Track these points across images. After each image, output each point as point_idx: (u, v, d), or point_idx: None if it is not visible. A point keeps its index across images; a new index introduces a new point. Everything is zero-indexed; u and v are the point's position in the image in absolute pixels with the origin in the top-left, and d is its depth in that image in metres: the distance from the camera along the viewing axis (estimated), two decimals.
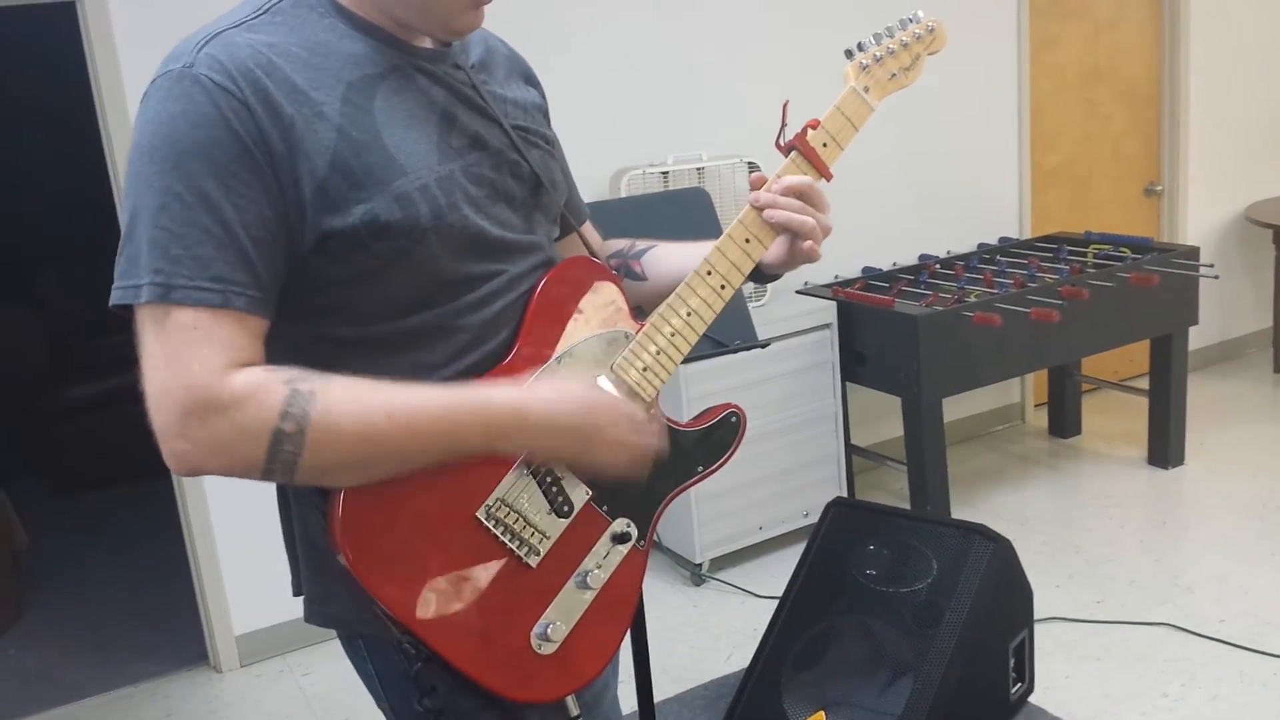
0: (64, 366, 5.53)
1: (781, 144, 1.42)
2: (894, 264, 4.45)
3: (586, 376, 1.29)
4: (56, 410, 5.30)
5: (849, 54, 1.45)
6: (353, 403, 1.12)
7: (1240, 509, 3.98)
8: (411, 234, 1.17)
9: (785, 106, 1.44)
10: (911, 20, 1.48)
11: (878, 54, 1.45)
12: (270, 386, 1.09)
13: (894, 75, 1.46)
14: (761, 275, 1.45)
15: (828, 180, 1.41)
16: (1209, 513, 3.98)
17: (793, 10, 4.16)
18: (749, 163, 3.93)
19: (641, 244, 1.55)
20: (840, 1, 4.22)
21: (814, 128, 1.41)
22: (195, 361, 1.08)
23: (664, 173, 3.80)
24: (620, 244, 1.56)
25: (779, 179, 1.38)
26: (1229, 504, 4.02)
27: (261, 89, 1.11)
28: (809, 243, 1.39)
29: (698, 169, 3.87)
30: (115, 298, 1.11)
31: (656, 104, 3.97)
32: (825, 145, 1.41)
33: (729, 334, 2.53)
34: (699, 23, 4.01)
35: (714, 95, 4.07)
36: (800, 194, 1.37)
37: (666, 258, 1.51)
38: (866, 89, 1.44)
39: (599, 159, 3.78)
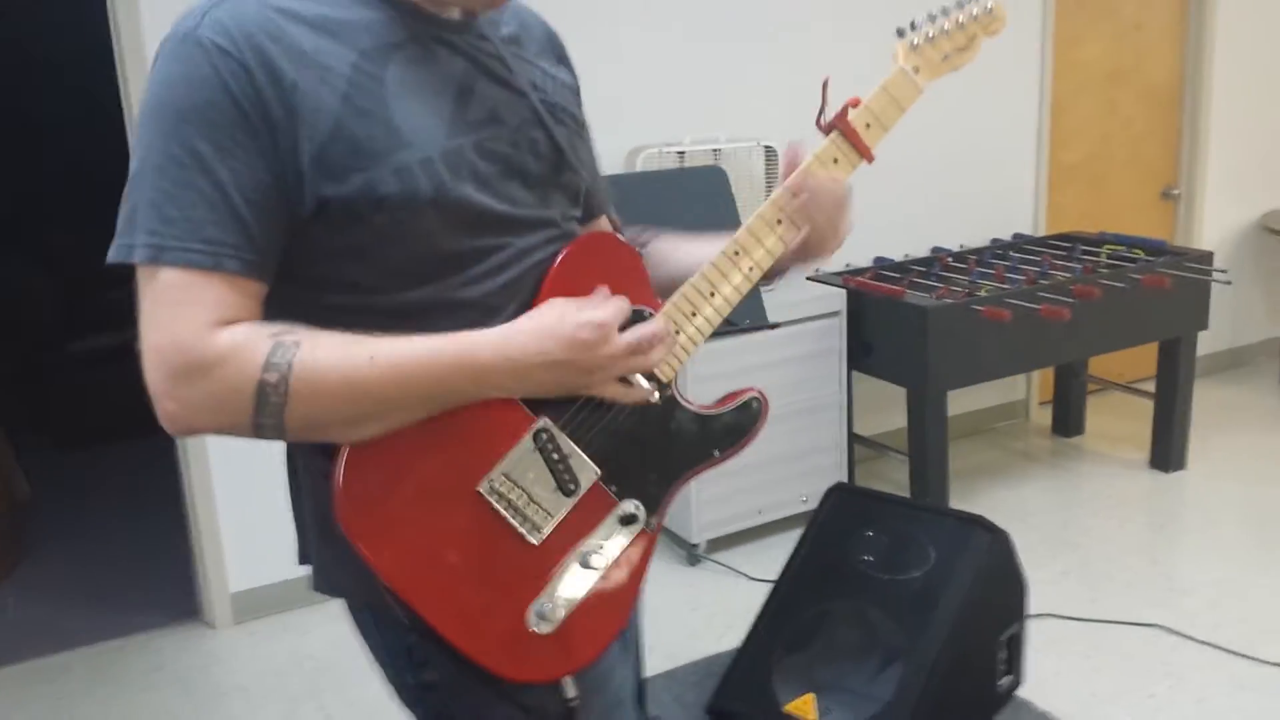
0: (71, 321, 5.55)
1: (822, 123, 1.38)
2: (906, 255, 4.44)
3: (569, 301, 1.24)
4: (61, 364, 5.32)
5: (900, 32, 1.40)
6: (336, 349, 1.11)
7: (1240, 516, 3.97)
8: (409, 207, 1.16)
9: (826, 84, 1.38)
10: (969, 0, 1.43)
11: (930, 33, 1.40)
12: (254, 341, 1.09)
13: (947, 56, 1.42)
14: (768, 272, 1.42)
15: (869, 162, 1.38)
16: (1208, 518, 3.98)
17: None
18: (766, 146, 3.92)
19: (646, 234, 1.53)
20: None
21: (854, 106, 1.37)
22: (182, 322, 1.08)
23: (680, 153, 3.79)
24: (629, 233, 1.54)
25: (824, 164, 1.36)
26: (1229, 510, 4.02)
27: (264, 53, 1.10)
28: (830, 238, 1.38)
29: (714, 150, 3.86)
30: (111, 254, 1.11)
31: (675, 83, 3.95)
32: (869, 126, 1.37)
33: (739, 313, 2.53)
34: (720, 3, 3.99)
35: (734, 77, 4.05)
36: (834, 198, 1.35)
37: (670, 253, 1.49)
38: (916, 69, 1.40)
39: (615, 137, 3.77)
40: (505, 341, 1.18)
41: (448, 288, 1.21)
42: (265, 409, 1.09)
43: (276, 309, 1.16)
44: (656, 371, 1.31)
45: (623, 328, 1.23)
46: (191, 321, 1.08)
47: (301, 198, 1.13)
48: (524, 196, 1.27)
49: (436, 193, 1.17)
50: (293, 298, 1.18)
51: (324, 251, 1.17)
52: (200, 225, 1.08)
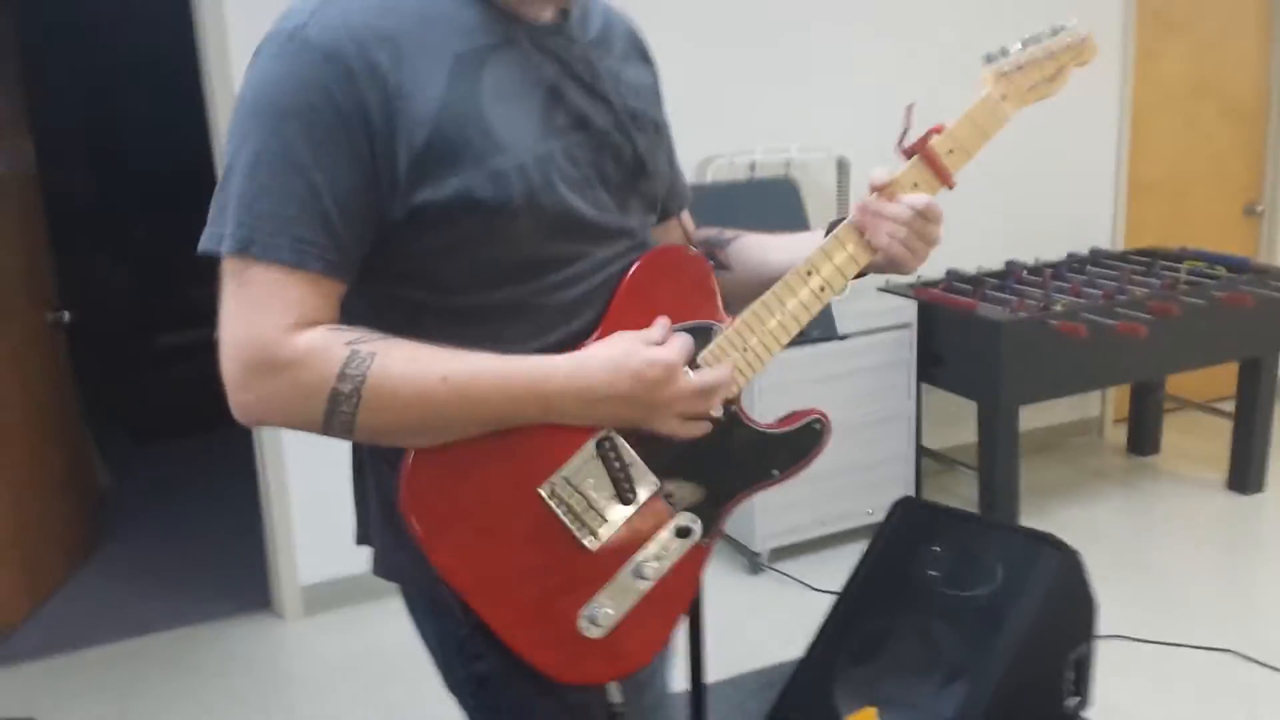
0: (151, 317, 5.68)
1: (904, 147, 1.37)
2: (979, 267, 4.39)
3: (644, 336, 1.25)
4: (141, 360, 5.46)
5: (989, 58, 1.39)
6: (410, 364, 1.13)
7: None
8: (503, 211, 1.17)
9: (910, 110, 1.37)
10: (1062, 29, 1.41)
11: (1020, 61, 1.38)
12: (331, 347, 1.11)
13: (1035, 85, 1.40)
14: None
15: (949, 188, 1.37)
16: None
17: (897, 8, 4.12)
18: (839, 158, 3.90)
19: (729, 233, 1.53)
20: (939, 6, 4.17)
21: (938, 133, 1.36)
22: (264, 317, 1.10)
23: (751, 163, 3.79)
24: (709, 231, 1.55)
25: (904, 190, 1.35)
26: None
27: (369, 57, 1.12)
28: (910, 260, 1.36)
29: (786, 161, 3.85)
30: (202, 243, 1.14)
31: (748, 93, 3.95)
32: (951, 152, 1.36)
33: (808, 325, 2.52)
34: (798, 12, 3.98)
35: (808, 87, 4.04)
36: (921, 213, 1.34)
37: (753, 250, 1.49)
38: (1004, 96, 1.38)
39: (686, 146, 3.71)
40: (575, 371, 1.20)
41: (527, 292, 1.23)
42: (335, 415, 1.12)
43: (353, 301, 1.18)
44: None
45: (691, 354, 1.25)
46: (272, 319, 1.11)
47: (393, 203, 1.15)
48: (607, 202, 1.29)
49: (529, 197, 1.19)
50: (371, 291, 1.20)
51: (409, 250, 1.19)
52: (289, 223, 1.11)
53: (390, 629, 3.43)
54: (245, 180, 1.12)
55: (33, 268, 3.82)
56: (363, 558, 1.38)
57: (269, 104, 1.12)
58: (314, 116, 1.11)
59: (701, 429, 1.28)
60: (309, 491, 3.50)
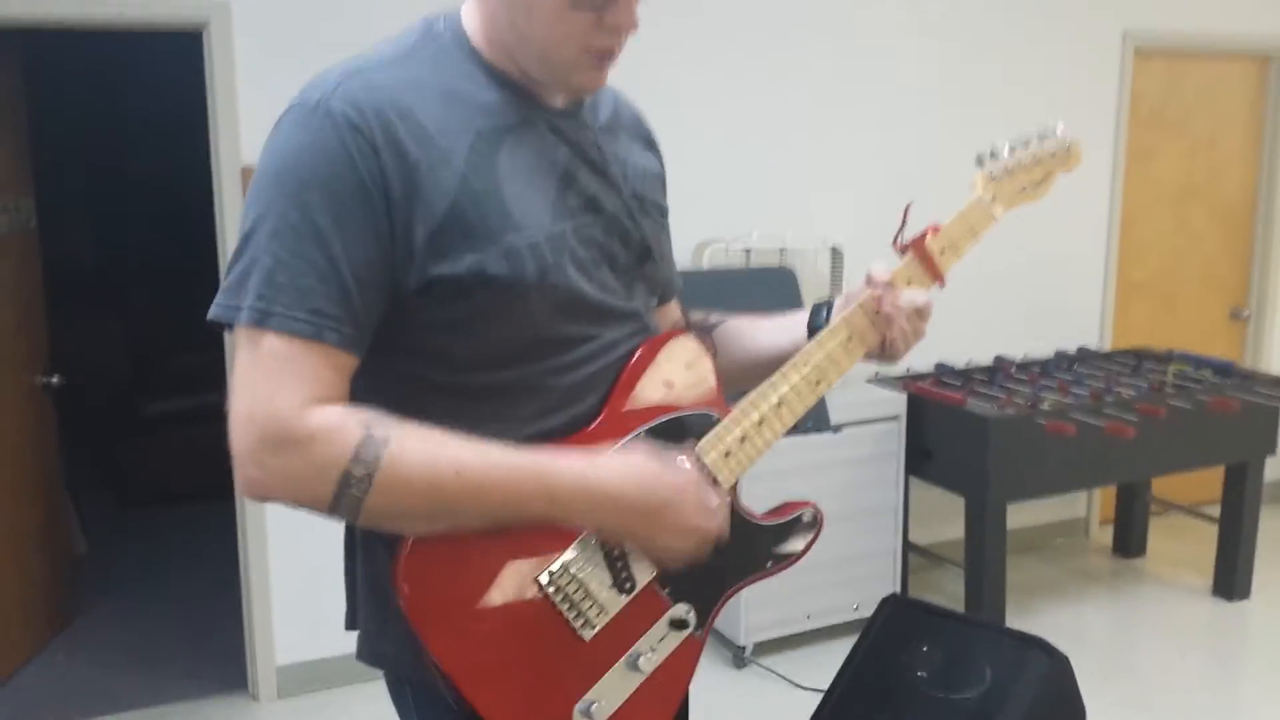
0: (143, 382, 5.67)
1: (899, 245, 1.41)
2: (969, 362, 4.41)
3: (661, 453, 1.27)
4: (131, 425, 5.42)
5: (979, 161, 1.44)
6: (424, 455, 1.13)
7: None
8: (515, 289, 1.18)
9: (908, 209, 1.43)
10: (1049, 134, 1.47)
11: (1010, 167, 1.43)
12: (347, 427, 1.11)
13: (1024, 189, 1.45)
14: None
15: (941, 286, 1.42)
16: (1273, 651, 3.85)
17: (888, 106, 4.20)
18: (833, 247, 3.95)
19: (715, 317, 1.55)
20: (933, 101, 4.25)
21: (934, 233, 1.40)
22: (279, 391, 1.10)
23: (746, 250, 3.82)
24: (697, 316, 1.56)
25: (896, 287, 1.38)
26: None
27: (391, 132, 1.13)
28: (900, 352, 1.40)
29: (780, 249, 3.89)
30: (214, 313, 1.14)
31: (744, 180, 4.00)
32: (943, 252, 1.41)
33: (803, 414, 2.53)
34: (794, 105, 4.05)
35: (803, 177, 4.09)
36: (918, 311, 1.38)
37: (738, 334, 1.51)
38: (994, 199, 1.43)
39: (682, 230, 3.77)
40: (586, 470, 1.20)
41: (535, 372, 1.24)
42: (344, 497, 1.11)
43: (358, 375, 1.18)
44: (718, 477, 1.32)
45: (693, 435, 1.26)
46: (286, 393, 1.10)
47: (408, 274, 1.16)
48: (614, 285, 1.31)
49: (541, 276, 1.20)
50: (376, 366, 1.20)
51: (419, 324, 1.19)
52: (307, 295, 1.11)
53: (365, 714, 3.37)
54: (264, 250, 1.12)
55: (27, 328, 3.80)
56: (341, 640, 1.36)
57: (291, 173, 1.13)
58: (336, 187, 1.12)
59: (699, 550, 1.27)
60: (290, 569, 3.45)
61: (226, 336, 1.16)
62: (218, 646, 3.82)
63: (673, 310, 1.52)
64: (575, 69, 1.23)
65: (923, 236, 1.40)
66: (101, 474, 5.54)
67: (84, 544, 4.67)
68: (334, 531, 1.35)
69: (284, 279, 1.11)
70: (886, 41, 4.17)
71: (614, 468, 1.21)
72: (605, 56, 1.24)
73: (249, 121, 3.24)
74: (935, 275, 1.41)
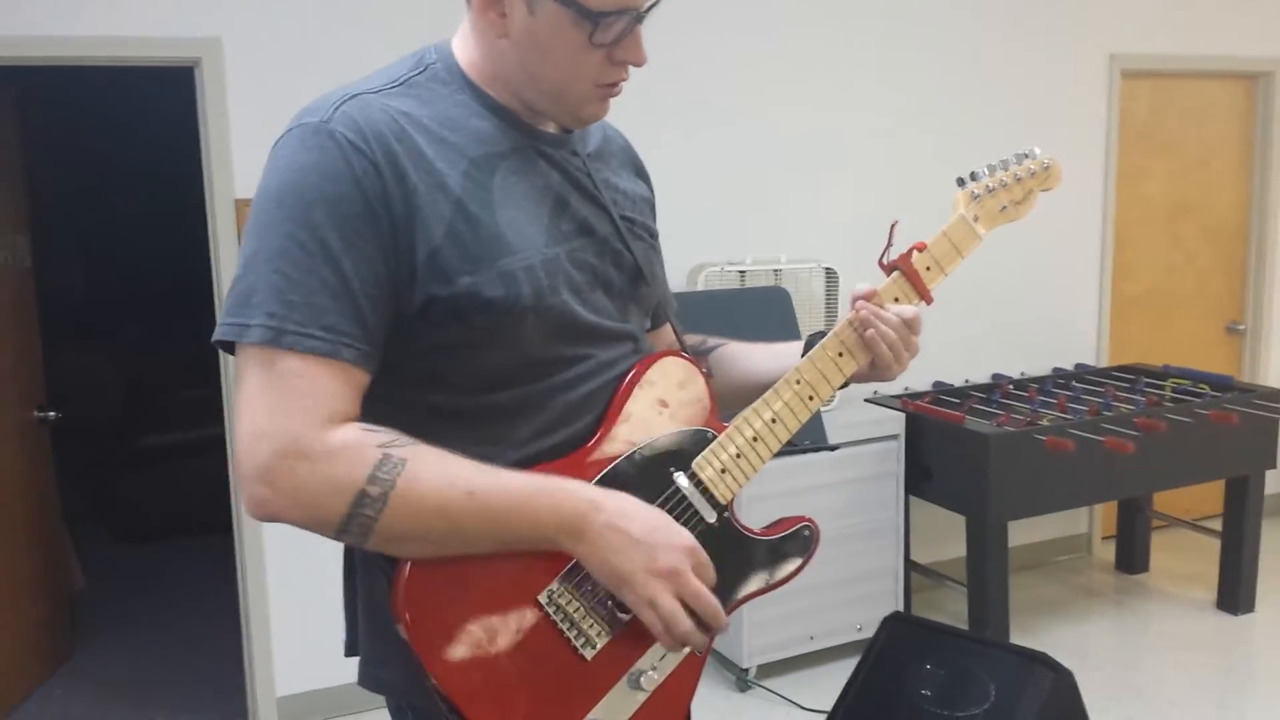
0: (137, 415, 5.65)
1: (885, 263, 1.43)
2: (966, 380, 4.41)
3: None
4: (126, 459, 5.41)
5: (960, 182, 1.46)
6: (438, 478, 1.12)
7: None
8: (511, 311, 1.19)
9: (893, 228, 1.44)
10: (1027, 155, 1.50)
11: (990, 185, 1.46)
12: (364, 447, 1.10)
13: (1005, 208, 1.48)
14: None
15: (928, 304, 1.43)
16: (1278, 664, 3.83)
17: (880, 129, 4.22)
18: (826, 268, 3.95)
19: (712, 341, 1.56)
20: (925, 125, 4.27)
21: (920, 250, 1.42)
22: (296, 409, 1.09)
23: (741, 271, 3.83)
24: (693, 339, 1.57)
25: (885, 303, 1.39)
26: None
27: (391, 153, 1.15)
28: (894, 365, 1.41)
29: (775, 270, 3.90)
30: (221, 333, 1.13)
31: (738, 203, 4.02)
32: (929, 269, 1.42)
33: (800, 434, 2.52)
34: (788, 128, 4.07)
35: (796, 199, 4.11)
36: (907, 323, 1.39)
37: (734, 358, 1.52)
38: (976, 218, 1.45)
39: (677, 253, 3.80)
40: (596, 497, 1.20)
41: (533, 393, 1.24)
42: (356, 518, 1.10)
43: (366, 402, 1.17)
44: (715, 493, 1.32)
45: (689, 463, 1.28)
46: (304, 411, 1.09)
47: (411, 294, 1.16)
48: (608, 307, 1.32)
49: (536, 299, 1.21)
50: (377, 389, 1.19)
51: (419, 348, 1.20)
52: (321, 312, 1.11)
53: None
54: (272, 270, 1.11)
55: (23, 364, 3.80)
56: (342, 668, 1.35)
57: (295, 193, 1.13)
58: (342, 205, 1.12)
59: (668, 640, 1.22)
60: (289, 600, 3.43)
61: (225, 360, 1.16)
62: (218, 678, 3.80)
63: (667, 333, 1.52)
64: (585, 103, 1.26)
65: (908, 254, 1.42)
66: (97, 507, 5.52)
67: (82, 579, 4.65)
68: (333, 560, 1.34)
69: (296, 296, 1.10)
70: (879, 67, 4.20)
71: (621, 503, 1.21)
72: (612, 89, 1.27)
73: (242, 156, 3.26)
74: (922, 293, 1.42)
